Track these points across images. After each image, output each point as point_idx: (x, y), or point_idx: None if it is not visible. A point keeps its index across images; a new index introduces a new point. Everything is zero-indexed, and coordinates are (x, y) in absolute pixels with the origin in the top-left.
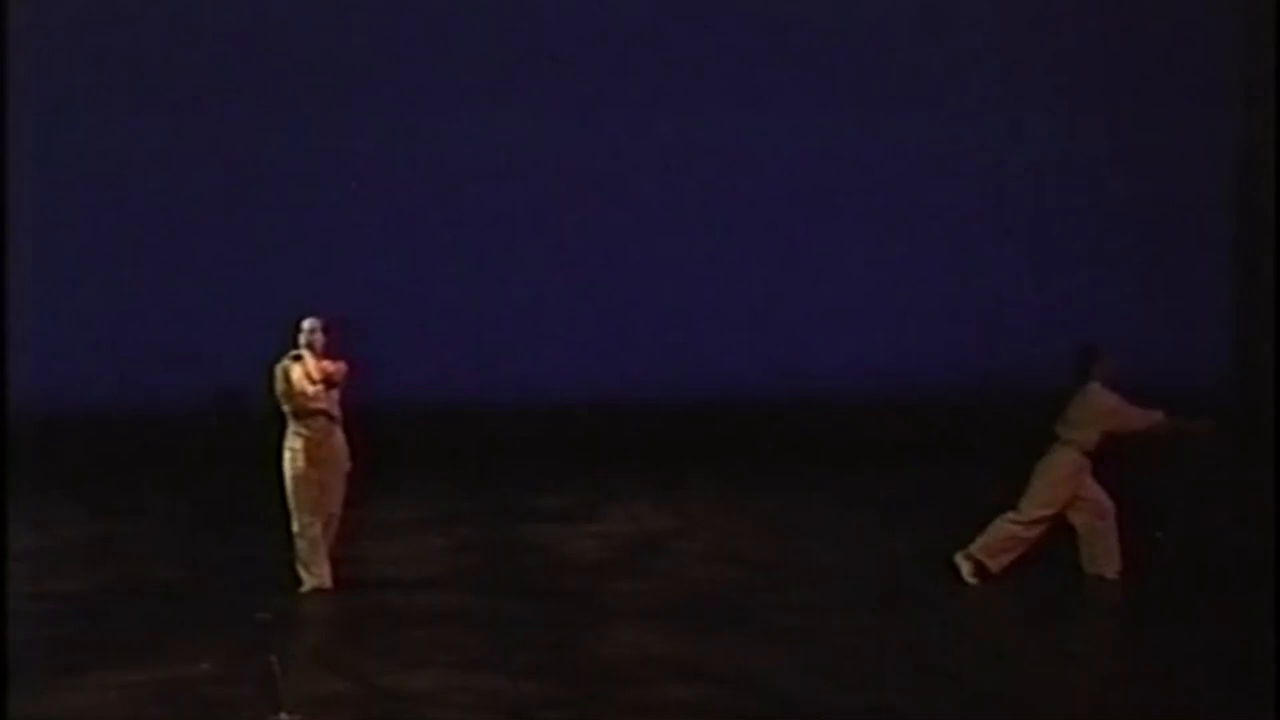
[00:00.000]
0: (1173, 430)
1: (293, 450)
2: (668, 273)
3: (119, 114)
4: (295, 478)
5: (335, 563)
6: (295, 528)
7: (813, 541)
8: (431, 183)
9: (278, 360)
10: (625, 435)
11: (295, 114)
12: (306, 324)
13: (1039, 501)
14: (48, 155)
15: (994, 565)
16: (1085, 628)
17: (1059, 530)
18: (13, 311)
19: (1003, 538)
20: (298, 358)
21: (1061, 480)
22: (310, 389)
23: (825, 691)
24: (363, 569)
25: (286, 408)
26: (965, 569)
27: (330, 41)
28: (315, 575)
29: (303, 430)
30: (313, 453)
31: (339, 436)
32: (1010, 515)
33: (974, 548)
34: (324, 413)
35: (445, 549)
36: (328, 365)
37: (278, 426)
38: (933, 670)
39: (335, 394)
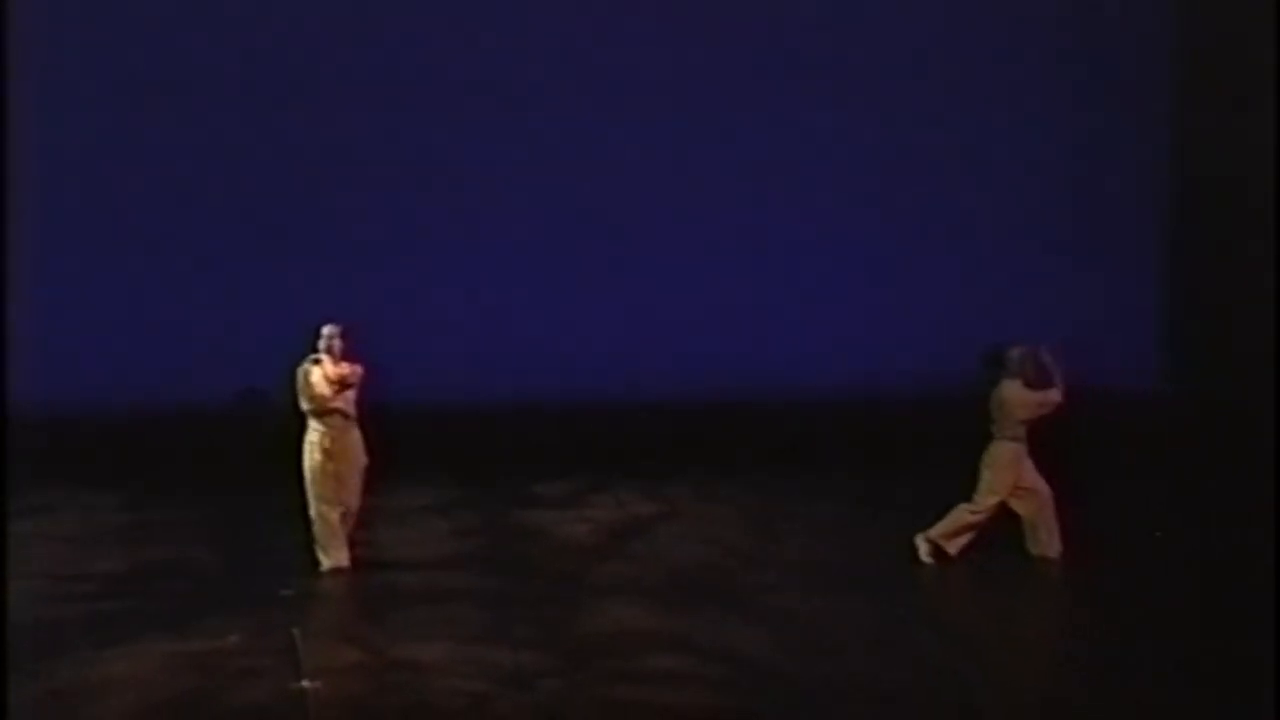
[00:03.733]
0: (1070, 391)
1: (311, 445)
2: (659, 279)
3: (150, 112)
4: (313, 469)
5: (352, 545)
6: (312, 514)
7: (787, 528)
8: (439, 192)
9: (298, 363)
10: (616, 431)
11: (318, 119)
12: (326, 330)
13: (987, 490)
14: (84, 159)
15: (951, 548)
16: (1031, 604)
17: (1005, 517)
18: (52, 317)
19: (959, 524)
20: (317, 361)
21: (1004, 468)
22: (327, 390)
23: (796, 664)
24: (376, 551)
25: (306, 407)
26: (923, 549)
27: (348, 45)
28: (332, 558)
29: (320, 427)
30: (329, 448)
31: (355, 434)
32: (966, 505)
33: (933, 532)
34: (339, 412)
35: (451, 533)
36: (343, 368)
37: (298, 423)
38: (893, 645)
39: (351, 395)
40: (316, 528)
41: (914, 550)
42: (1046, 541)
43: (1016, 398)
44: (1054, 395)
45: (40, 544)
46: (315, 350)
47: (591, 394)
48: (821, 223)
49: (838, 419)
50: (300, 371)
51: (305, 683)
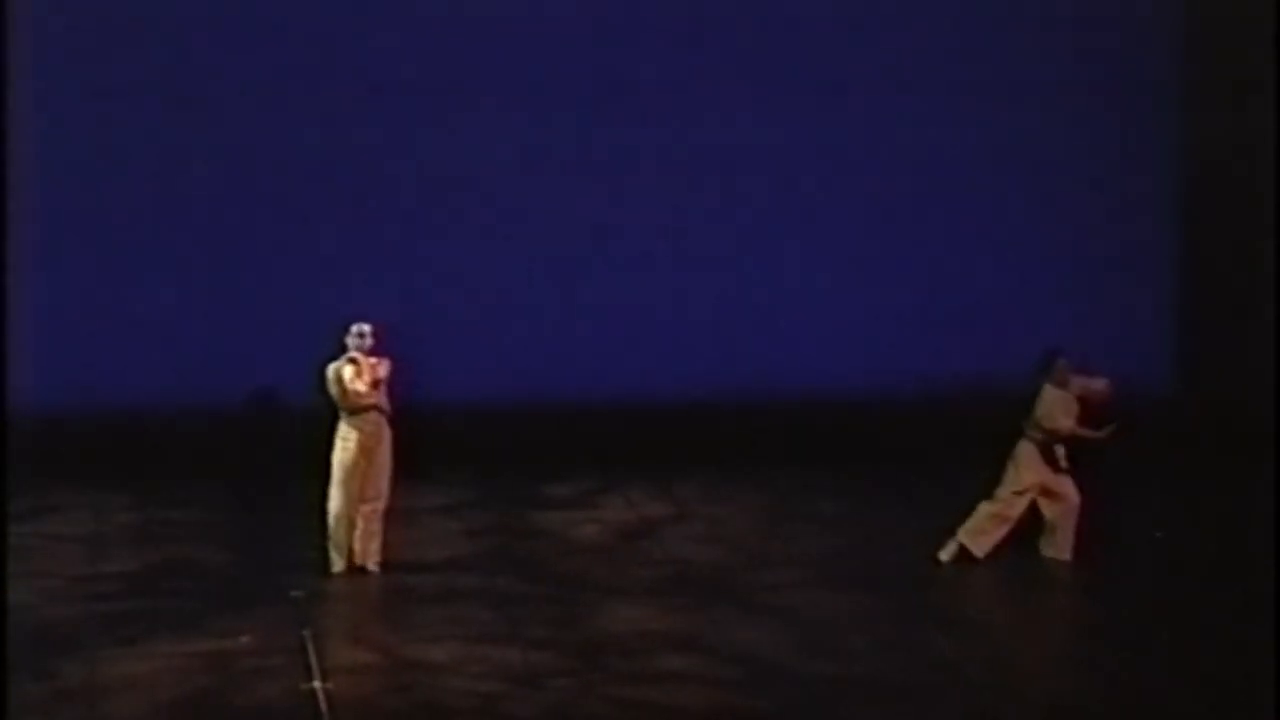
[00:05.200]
0: (1082, 439)
1: (346, 442)
2: (669, 278)
3: (162, 115)
4: (345, 466)
5: (385, 546)
6: (337, 512)
7: (796, 527)
8: (447, 192)
9: (313, 362)
10: (625, 432)
11: (328, 120)
12: (356, 328)
13: (1009, 484)
14: (99, 159)
15: (977, 549)
16: (1043, 604)
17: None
18: (65, 316)
19: (981, 519)
20: (352, 360)
21: (1025, 465)
22: (363, 388)
23: (805, 663)
24: (387, 551)
25: (343, 405)
26: (949, 550)
27: (356, 43)
28: (344, 557)
29: (358, 424)
30: (365, 444)
31: (387, 429)
32: (985, 502)
33: (960, 533)
34: (376, 407)
35: (461, 534)
36: (378, 364)
37: (309, 424)
38: (903, 644)
39: (383, 389)
40: (339, 527)
41: (925, 549)
42: (1060, 545)
43: (1043, 406)
44: (1063, 425)
45: (51, 544)
46: (342, 349)
47: (601, 394)
48: (831, 223)
49: (847, 418)
50: (332, 370)
51: (316, 683)
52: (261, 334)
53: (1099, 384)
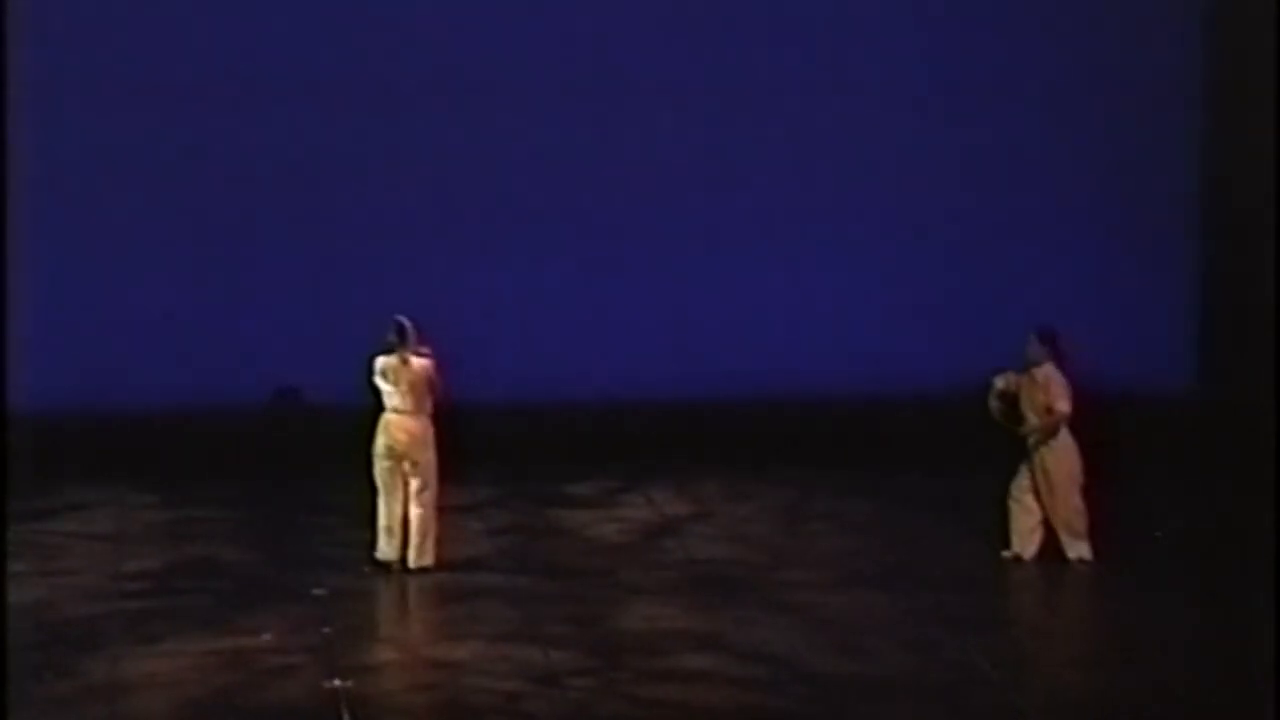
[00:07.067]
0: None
1: (431, 438)
2: (690, 278)
3: (183, 112)
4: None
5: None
6: (430, 506)
7: (815, 527)
8: (466, 190)
9: (335, 360)
10: (647, 431)
11: (349, 119)
12: (412, 326)
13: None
14: (118, 158)
15: (1026, 553)
16: (1064, 604)
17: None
18: (91, 315)
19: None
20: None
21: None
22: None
23: (827, 662)
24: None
25: (431, 403)
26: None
27: (372, 40)
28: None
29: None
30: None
31: None
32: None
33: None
34: None
35: (483, 532)
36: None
37: (330, 422)
38: (925, 643)
39: None
40: (429, 521)
41: (946, 548)
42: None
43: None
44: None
45: (74, 542)
46: (386, 348)
47: (622, 394)
48: (851, 221)
49: (869, 417)
50: (428, 370)
51: (338, 681)
52: (284, 332)
53: (1062, 407)
